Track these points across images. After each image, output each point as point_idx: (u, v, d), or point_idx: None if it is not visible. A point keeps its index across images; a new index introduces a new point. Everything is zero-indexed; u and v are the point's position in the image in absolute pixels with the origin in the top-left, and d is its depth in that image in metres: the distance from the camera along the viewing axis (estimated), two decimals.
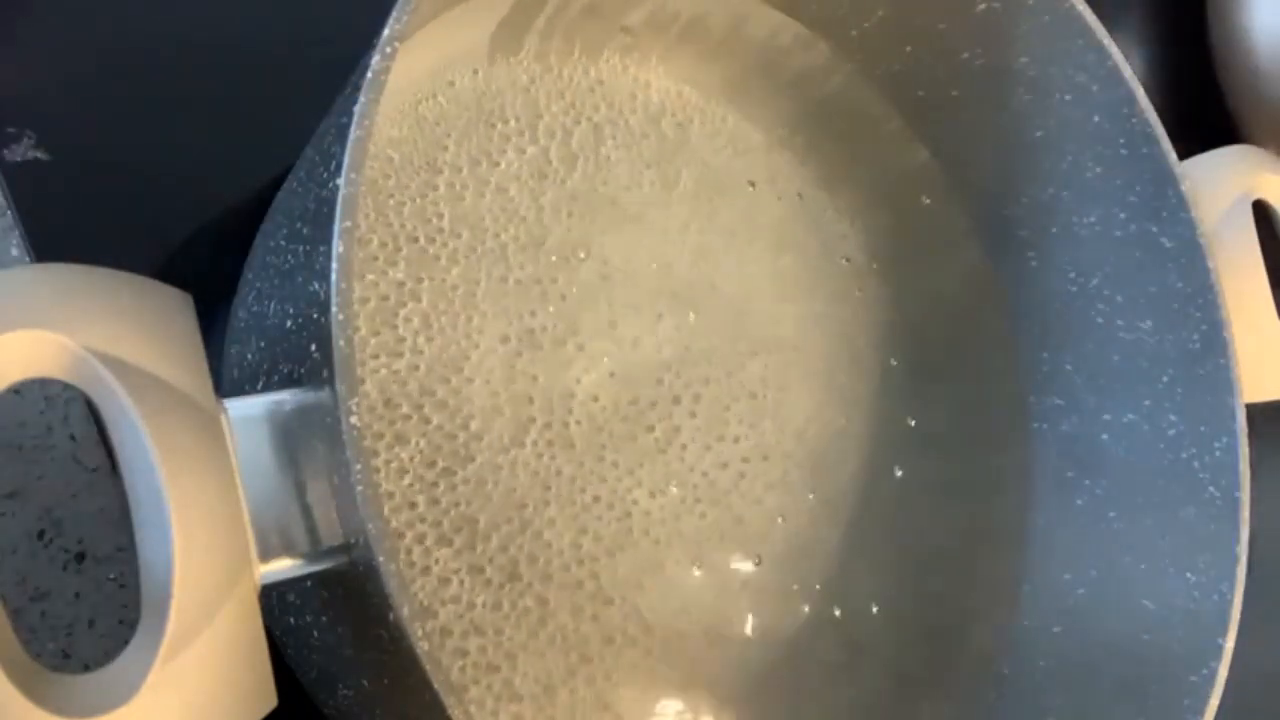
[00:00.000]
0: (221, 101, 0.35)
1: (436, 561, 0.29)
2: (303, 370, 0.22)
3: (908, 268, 0.37)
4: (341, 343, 0.19)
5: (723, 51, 0.35)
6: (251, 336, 0.28)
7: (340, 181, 0.20)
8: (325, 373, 0.19)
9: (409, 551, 0.29)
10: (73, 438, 0.32)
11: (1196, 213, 0.31)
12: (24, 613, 0.30)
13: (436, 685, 0.19)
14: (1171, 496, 0.32)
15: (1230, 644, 0.30)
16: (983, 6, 0.32)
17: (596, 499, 0.31)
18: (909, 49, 0.35)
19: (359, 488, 0.19)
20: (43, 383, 0.30)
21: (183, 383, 0.20)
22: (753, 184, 0.36)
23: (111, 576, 0.31)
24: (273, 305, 0.26)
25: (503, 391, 0.31)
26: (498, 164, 0.32)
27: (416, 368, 0.30)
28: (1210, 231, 0.32)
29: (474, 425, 0.30)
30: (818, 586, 0.34)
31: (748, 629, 0.33)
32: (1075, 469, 0.35)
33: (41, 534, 0.31)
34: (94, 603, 0.31)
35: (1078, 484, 0.35)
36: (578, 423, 0.32)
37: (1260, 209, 0.36)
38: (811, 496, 0.35)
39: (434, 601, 0.29)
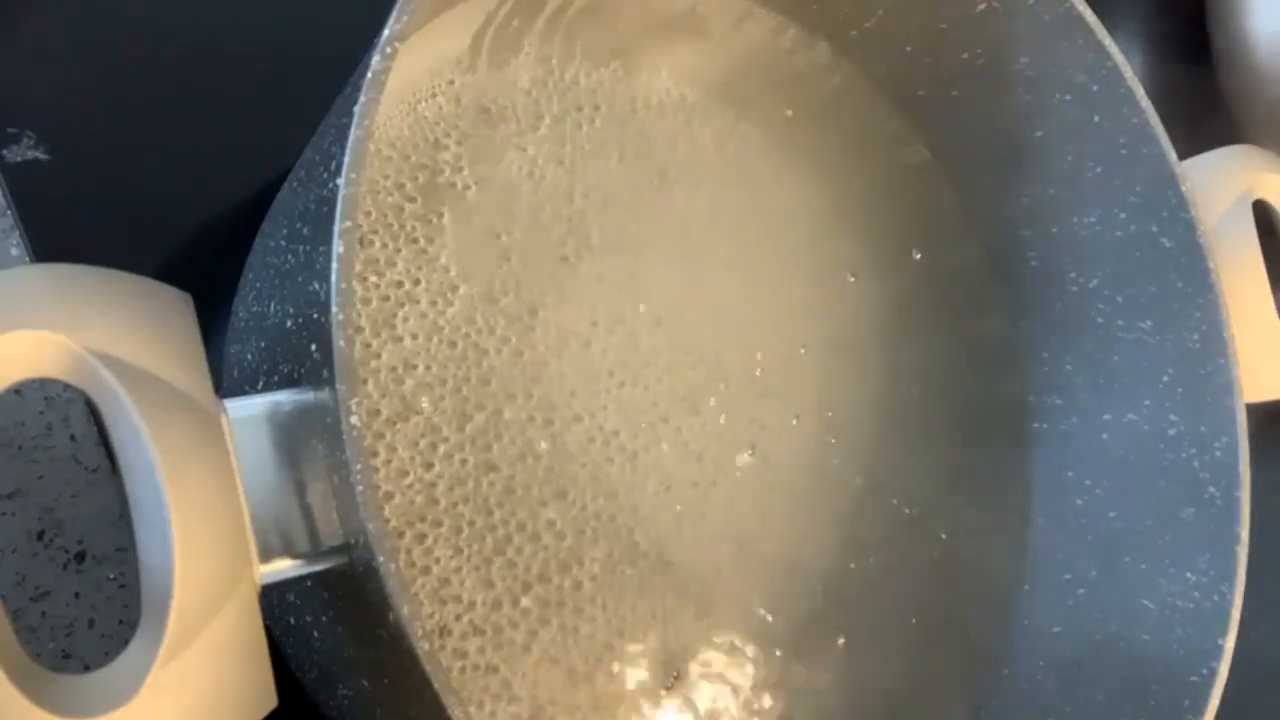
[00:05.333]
0: (221, 101, 0.35)
1: (436, 561, 0.29)
2: (303, 370, 0.22)
3: (908, 268, 0.37)
4: (341, 343, 0.19)
5: (723, 51, 0.35)
6: (251, 336, 0.28)
7: (340, 181, 0.20)
8: (325, 373, 0.19)
9: (409, 551, 0.29)
10: (73, 438, 0.32)
11: (1196, 213, 0.31)
12: (24, 613, 0.30)
13: (436, 685, 0.19)
14: (1171, 496, 0.32)
15: (1230, 644, 0.30)
16: (983, 6, 0.32)
17: (596, 499, 0.31)
18: (909, 49, 0.35)
19: (359, 488, 0.19)
20: (43, 383, 0.30)
21: (183, 383, 0.20)
22: (753, 184, 0.36)
23: (111, 576, 0.31)
24: (273, 305, 0.26)
25: (503, 391, 0.31)
26: (498, 164, 0.32)
27: (416, 367, 0.30)
28: (1210, 231, 0.32)
29: (473, 425, 0.30)
30: (819, 586, 0.34)
31: (744, 634, 0.33)
32: (1075, 469, 0.35)
33: (41, 534, 0.31)
34: (94, 603, 0.31)
35: (1078, 484, 0.35)
36: (578, 418, 0.32)
37: (1260, 209, 0.36)
38: (810, 497, 0.35)
39: (434, 601, 0.29)
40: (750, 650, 0.33)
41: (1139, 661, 0.32)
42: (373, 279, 0.30)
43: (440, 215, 0.31)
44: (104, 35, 0.34)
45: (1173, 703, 0.30)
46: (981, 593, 0.36)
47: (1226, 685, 0.29)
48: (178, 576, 0.19)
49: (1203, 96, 0.46)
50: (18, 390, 0.31)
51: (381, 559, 0.19)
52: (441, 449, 0.29)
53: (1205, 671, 0.29)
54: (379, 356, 0.29)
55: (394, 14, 0.21)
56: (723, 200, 0.35)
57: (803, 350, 0.36)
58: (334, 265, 0.19)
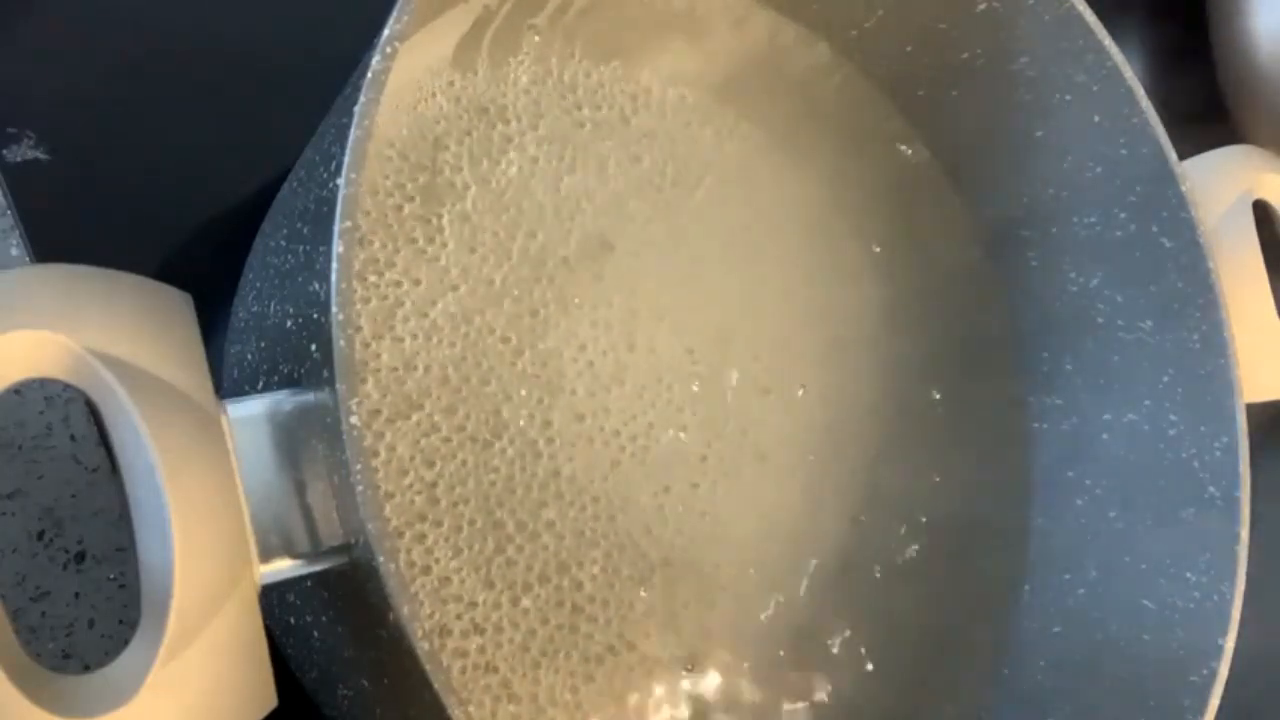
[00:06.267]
0: (221, 101, 0.35)
1: (436, 561, 0.29)
2: (303, 370, 0.22)
3: (908, 267, 0.37)
4: (341, 343, 0.19)
5: (723, 51, 0.35)
6: (251, 336, 0.28)
7: (340, 181, 0.20)
8: (325, 373, 0.19)
9: (409, 551, 0.29)
10: (73, 438, 0.32)
11: (1196, 213, 0.31)
12: (24, 613, 0.30)
13: (436, 685, 0.19)
14: (1171, 496, 0.32)
15: (1230, 644, 0.30)
16: (983, 6, 0.32)
17: (596, 499, 0.31)
18: (909, 49, 0.35)
19: (359, 488, 0.19)
20: (43, 383, 0.30)
21: (183, 383, 0.20)
22: (753, 184, 0.36)
23: (111, 576, 0.31)
24: (273, 305, 0.26)
25: (503, 391, 0.31)
26: (498, 164, 0.32)
27: (416, 368, 0.30)
28: (1210, 231, 0.32)
29: (474, 425, 0.30)
30: (819, 587, 0.34)
31: (744, 635, 0.33)
32: (1075, 469, 0.35)
33: (41, 534, 0.31)
34: (94, 603, 0.31)
35: (1078, 484, 0.35)
36: (578, 418, 0.32)
37: (1260, 209, 0.36)
38: (810, 497, 0.35)
39: (434, 601, 0.29)
40: (751, 651, 0.33)
41: (1139, 661, 0.32)
42: (373, 279, 0.30)
43: (440, 215, 0.31)
44: (104, 35, 0.34)
45: (1173, 703, 0.30)
46: (981, 593, 0.36)
47: (1226, 685, 0.29)
48: (178, 576, 0.19)
49: (1203, 96, 0.46)
50: (18, 390, 0.31)
51: (381, 559, 0.19)
52: (442, 449, 0.29)
53: (1205, 671, 0.29)
54: (379, 356, 0.29)
55: (394, 14, 0.21)
56: (723, 200, 0.35)
57: (802, 351, 0.36)
58: (334, 265, 0.19)
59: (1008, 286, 0.37)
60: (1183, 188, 0.31)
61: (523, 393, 0.31)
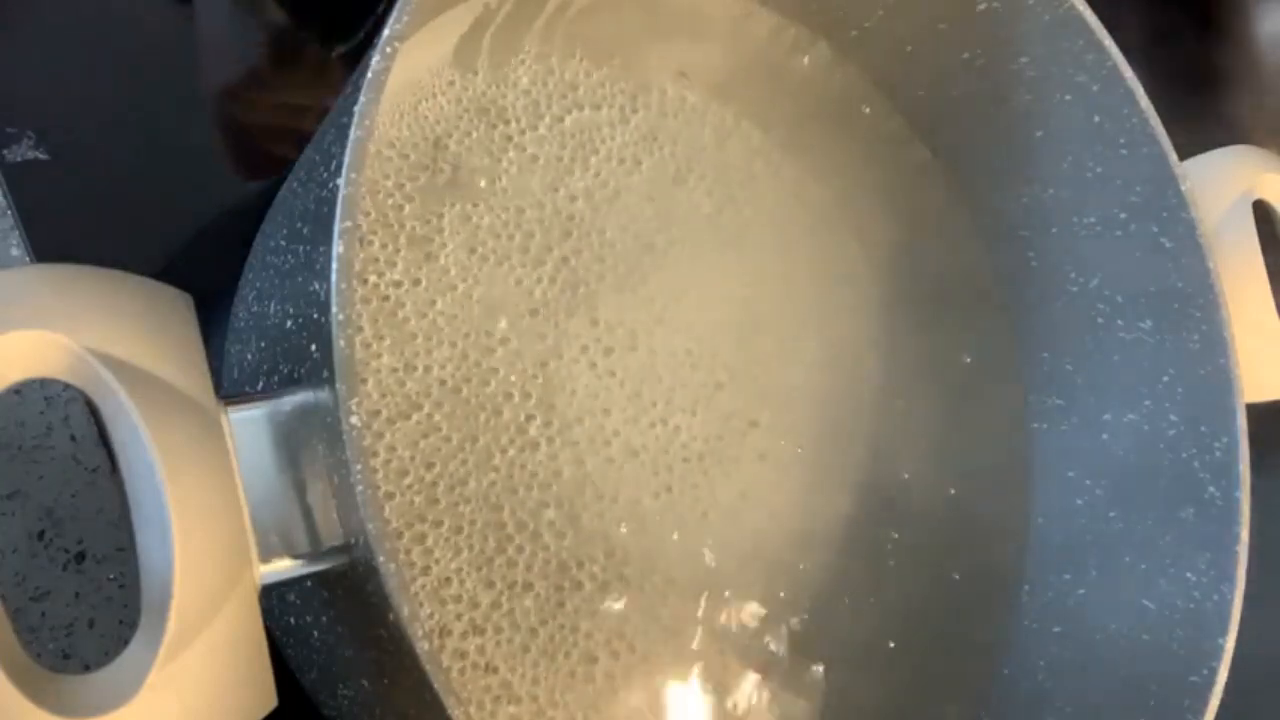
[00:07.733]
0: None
1: (436, 561, 0.29)
2: (303, 370, 0.22)
3: (908, 267, 0.37)
4: (341, 343, 0.19)
5: (723, 51, 0.35)
6: (251, 336, 0.28)
7: (340, 181, 0.20)
8: (325, 373, 0.19)
9: (409, 551, 0.29)
10: (73, 438, 0.32)
11: (1196, 213, 0.31)
12: (24, 613, 0.30)
13: (436, 685, 0.19)
14: (1171, 496, 0.32)
15: (1230, 644, 0.30)
16: (983, 6, 0.32)
17: (596, 499, 0.31)
18: (909, 49, 0.35)
19: (359, 488, 0.19)
20: (43, 383, 0.30)
21: (183, 383, 0.20)
22: (753, 183, 0.36)
23: (111, 576, 0.31)
24: (273, 305, 0.26)
25: (503, 391, 0.31)
26: (498, 164, 0.32)
27: (416, 368, 0.30)
28: (1210, 231, 0.32)
29: (474, 425, 0.30)
30: (822, 586, 0.34)
31: (745, 634, 0.33)
32: (1075, 469, 0.35)
33: (41, 534, 0.31)
34: (94, 603, 0.31)
35: (1078, 484, 0.35)
36: (579, 419, 0.32)
37: (1260, 209, 0.36)
38: (811, 498, 0.35)
39: (434, 601, 0.29)
40: (752, 649, 0.33)
41: (1139, 661, 0.32)
42: (373, 279, 0.30)
43: (440, 215, 0.31)
44: (104, 35, 0.34)
45: (1173, 703, 0.30)
46: (981, 593, 0.36)
47: (1226, 685, 0.29)
48: (178, 576, 0.19)
49: (1203, 96, 0.46)
50: (18, 390, 0.31)
51: (381, 559, 0.19)
52: (442, 449, 0.29)
53: (1205, 671, 0.29)
54: (379, 356, 0.29)
55: (394, 14, 0.21)
56: (723, 200, 0.35)
57: (802, 350, 0.36)
58: (334, 265, 0.19)
59: (1008, 286, 0.37)
60: (1183, 188, 0.31)
61: (522, 392, 0.31)
